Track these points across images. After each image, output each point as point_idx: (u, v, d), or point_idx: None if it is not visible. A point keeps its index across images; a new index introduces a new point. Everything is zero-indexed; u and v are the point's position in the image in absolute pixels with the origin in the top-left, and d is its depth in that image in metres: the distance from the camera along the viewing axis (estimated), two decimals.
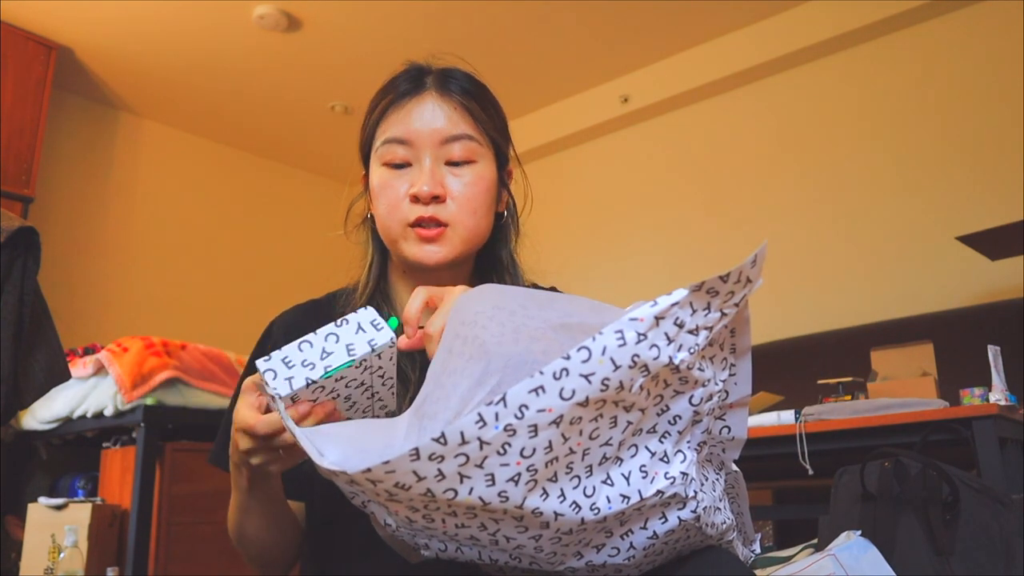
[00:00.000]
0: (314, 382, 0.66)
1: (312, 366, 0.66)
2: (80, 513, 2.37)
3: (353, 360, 0.67)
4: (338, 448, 0.58)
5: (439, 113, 0.91)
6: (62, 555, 2.12)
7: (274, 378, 0.65)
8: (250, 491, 0.79)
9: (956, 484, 1.45)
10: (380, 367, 0.71)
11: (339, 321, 0.69)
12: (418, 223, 0.89)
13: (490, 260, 1.01)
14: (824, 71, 3.49)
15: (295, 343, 0.67)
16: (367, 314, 0.70)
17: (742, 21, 3.54)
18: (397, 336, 0.70)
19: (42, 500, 2.47)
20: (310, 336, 0.68)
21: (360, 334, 0.68)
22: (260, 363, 0.66)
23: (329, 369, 0.66)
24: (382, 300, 0.98)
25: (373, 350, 0.68)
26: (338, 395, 0.70)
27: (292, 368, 0.66)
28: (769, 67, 3.57)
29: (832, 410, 1.91)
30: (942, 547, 1.41)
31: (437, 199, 0.89)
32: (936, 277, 3.01)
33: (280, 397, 0.65)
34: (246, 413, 0.68)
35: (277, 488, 0.82)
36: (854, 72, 3.40)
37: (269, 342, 0.96)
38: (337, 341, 0.68)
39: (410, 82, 0.93)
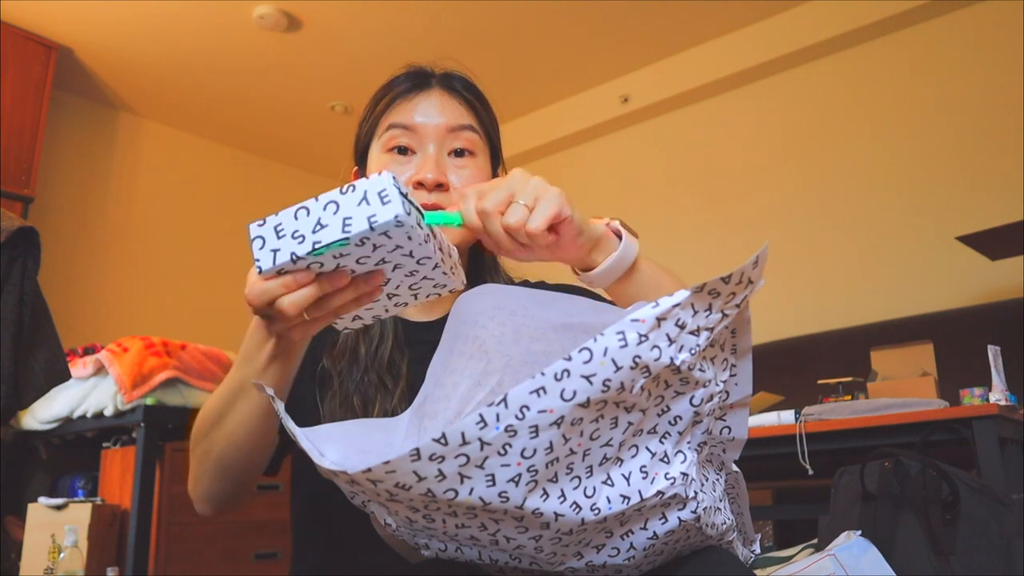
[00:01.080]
0: (300, 258, 0.57)
1: (302, 239, 0.57)
2: (80, 513, 2.37)
3: (347, 239, 0.57)
4: (338, 448, 0.58)
5: (445, 105, 0.93)
6: (62, 555, 2.12)
7: (261, 247, 0.58)
8: (266, 364, 0.72)
9: (956, 484, 1.45)
10: (404, 248, 0.60)
11: (345, 187, 0.58)
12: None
13: (477, 260, 1.02)
14: (824, 71, 3.49)
15: (293, 208, 0.59)
16: (378, 182, 0.58)
17: (742, 21, 3.54)
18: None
19: (42, 500, 2.47)
20: (310, 201, 0.58)
21: (363, 207, 0.57)
22: (253, 227, 0.59)
23: (318, 246, 0.57)
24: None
25: (373, 228, 0.56)
26: (353, 272, 0.62)
27: (281, 239, 0.58)
28: (769, 67, 3.57)
29: (832, 410, 1.91)
30: (942, 547, 1.41)
31: (441, 187, 0.90)
32: (936, 277, 3.01)
33: (262, 270, 0.58)
34: (252, 278, 0.62)
35: (288, 370, 0.74)
36: (854, 72, 3.40)
37: None
38: (336, 211, 0.57)
39: (416, 79, 0.96)
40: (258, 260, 0.57)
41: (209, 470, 0.81)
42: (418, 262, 0.62)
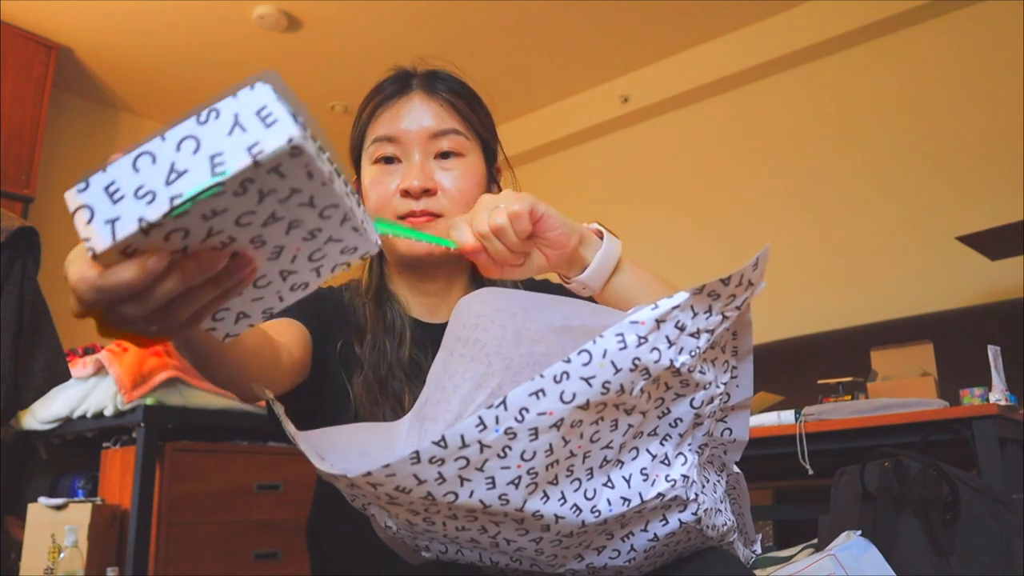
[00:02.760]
0: (153, 225, 0.39)
1: (151, 197, 0.39)
2: (80, 513, 2.37)
3: (221, 184, 0.39)
4: (338, 451, 0.58)
5: (426, 111, 0.93)
6: (62, 555, 2.12)
7: (88, 219, 0.40)
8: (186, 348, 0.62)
9: (956, 484, 1.45)
10: (302, 192, 0.42)
11: (202, 114, 0.41)
12: (409, 216, 0.90)
13: None
14: (824, 71, 3.49)
15: (129, 156, 0.41)
16: (253, 96, 0.41)
17: (742, 21, 3.53)
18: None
19: (42, 500, 2.47)
20: (154, 141, 0.41)
21: (236, 135, 0.40)
22: (71, 194, 0.41)
23: (178, 202, 0.39)
24: (386, 299, 0.97)
25: (258, 163, 0.39)
26: (232, 239, 0.43)
27: (119, 203, 0.40)
28: (770, 67, 3.57)
29: (832, 410, 1.91)
30: (942, 547, 1.41)
31: (428, 192, 0.90)
32: (936, 277, 3.01)
33: (96, 254, 0.40)
34: (80, 265, 0.42)
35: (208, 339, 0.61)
36: (854, 72, 3.40)
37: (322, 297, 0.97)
38: (197, 150, 0.40)
39: (396, 84, 0.96)
40: (88, 240, 0.40)
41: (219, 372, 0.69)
42: (321, 214, 0.45)
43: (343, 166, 0.47)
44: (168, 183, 0.39)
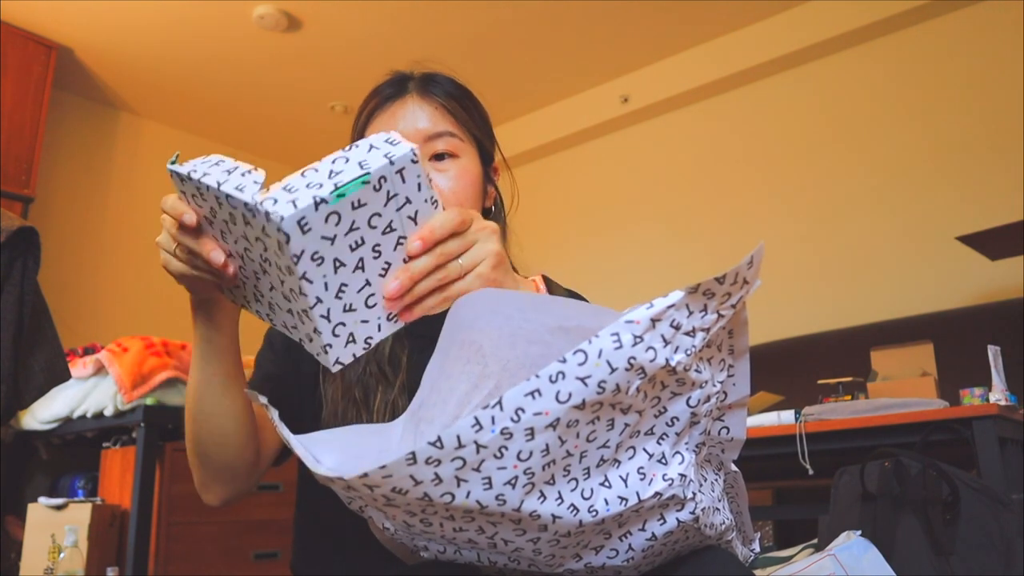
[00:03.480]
0: (324, 201, 0.56)
1: (319, 186, 0.56)
2: (80, 513, 2.37)
3: (368, 175, 0.57)
4: (334, 454, 0.58)
5: (420, 113, 0.94)
6: (62, 555, 2.12)
7: (274, 204, 0.55)
8: (203, 337, 0.80)
9: (956, 484, 1.45)
10: (405, 198, 0.60)
11: (348, 147, 0.60)
12: None
13: None
14: (825, 71, 3.49)
15: (298, 172, 0.59)
16: (380, 134, 0.61)
17: (742, 21, 3.53)
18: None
19: (42, 500, 2.47)
20: (311, 167, 0.59)
21: (374, 152, 0.59)
22: (263, 200, 0.57)
23: (340, 186, 0.56)
24: None
25: (392, 163, 0.58)
26: (362, 241, 0.59)
27: (295, 192, 0.56)
28: (770, 67, 3.56)
29: (832, 410, 1.91)
30: (942, 547, 1.41)
31: None
32: (936, 277, 3.01)
33: (282, 220, 0.54)
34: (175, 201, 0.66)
35: (226, 341, 0.80)
36: (855, 72, 3.40)
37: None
38: (347, 161, 0.58)
39: (393, 87, 0.97)
40: (276, 213, 0.54)
41: (195, 457, 0.85)
42: (414, 225, 0.62)
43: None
44: (330, 177, 0.57)
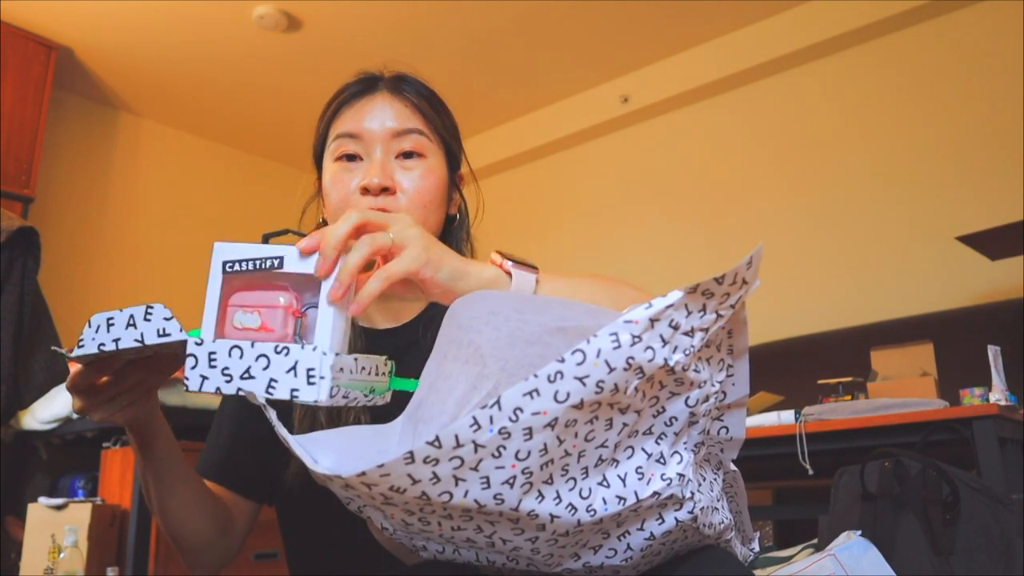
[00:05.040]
0: (220, 391, 0.61)
1: (228, 379, 0.61)
2: (80, 513, 2.37)
3: (262, 401, 0.60)
4: (332, 454, 0.58)
5: (389, 110, 0.93)
6: (62, 555, 2.12)
7: (192, 367, 0.62)
8: (141, 454, 0.83)
9: (956, 484, 1.45)
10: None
11: (279, 347, 0.60)
12: None
13: None
14: (825, 71, 3.49)
15: (230, 342, 0.62)
16: (312, 358, 0.60)
17: (742, 21, 3.53)
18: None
19: (42, 500, 2.47)
20: (246, 343, 0.61)
21: (290, 377, 0.60)
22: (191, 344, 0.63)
23: (240, 392, 0.60)
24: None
25: (293, 398, 0.59)
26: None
27: (212, 369, 0.61)
28: (770, 67, 3.56)
29: (832, 410, 1.91)
30: (942, 547, 1.41)
31: (387, 191, 0.89)
32: (936, 277, 3.01)
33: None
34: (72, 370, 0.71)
35: (162, 450, 0.83)
36: (855, 71, 3.40)
37: None
38: (265, 368, 0.60)
39: (362, 84, 0.96)
40: (186, 380, 0.62)
41: (170, 540, 0.90)
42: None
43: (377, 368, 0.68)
44: (241, 377, 0.61)
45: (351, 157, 0.92)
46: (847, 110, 3.39)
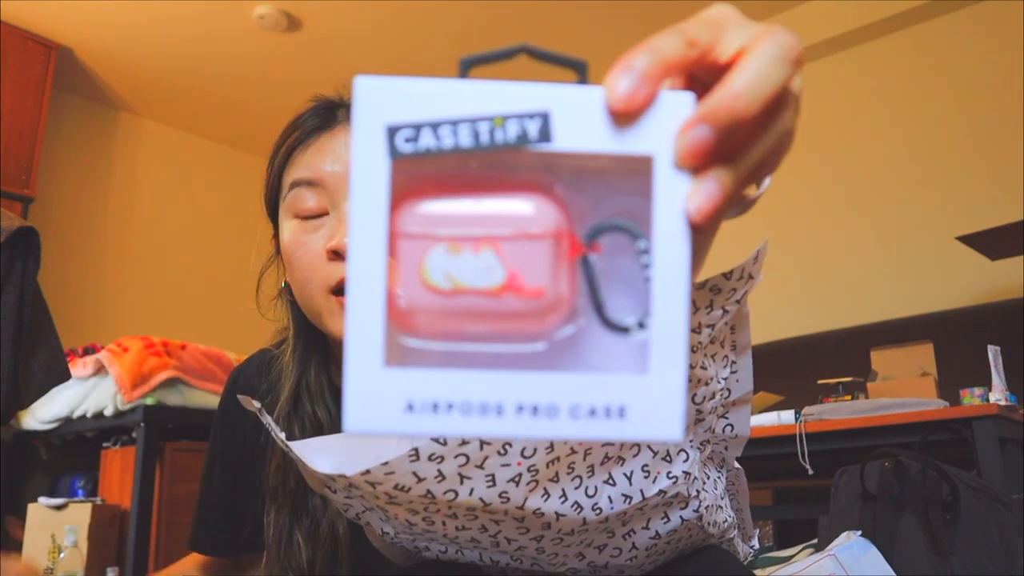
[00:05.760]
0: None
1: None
2: (80, 513, 2.37)
3: None
4: (330, 458, 0.57)
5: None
6: (62, 555, 2.12)
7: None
8: None
9: (956, 484, 1.45)
10: None
11: None
12: (343, 287, 0.71)
13: None
14: (823, 71, 3.49)
15: None
16: None
17: None
18: None
19: (42, 500, 2.47)
20: None
21: None
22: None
23: None
24: (314, 400, 0.79)
25: None
26: None
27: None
28: None
29: (832, 410, 1.91)
30: (942, 547, 1.41)
31: None
32: (936, 277, 3.01)
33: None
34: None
35: None
36: (854, 72, 3.40)
37: (236, 390, 0.89)
38: None
39: (318, 117, 0.80)
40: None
41: None
42: None
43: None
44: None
45: (314, 215, 0.75)
46: (846, 110, 3.40)
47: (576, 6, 3.35)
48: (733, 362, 0.64)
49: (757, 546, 0.79)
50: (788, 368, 2.82)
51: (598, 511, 0.57)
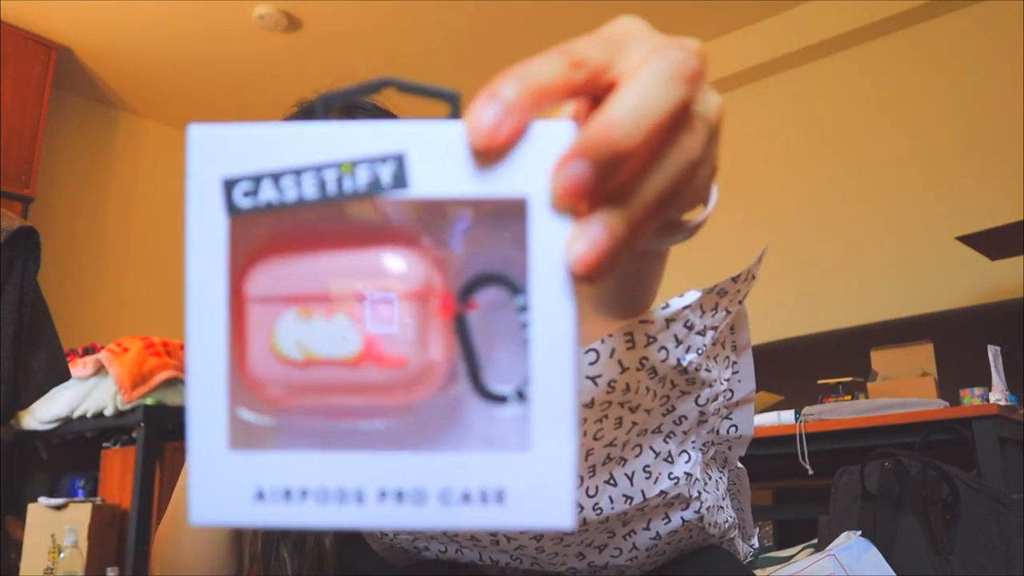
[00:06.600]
0: None
1: None
2: (80, 513, 2.37)
3: None
4: None
5: None
6: (62, 555, 2.12)
7: None
8: None
9: (956, 484, 1.45)
10: None
11: None
12: None
13: None
14: (823, 71, 3.49)
15: None
16: None
17: (742, 21, 3.54)
18: None
19: (42, 500, 2.47)
20: None
21: None
22: None
23: None
24: None
25: None
26: None
27: None
28: (768, 67, 3.57)
29: (832, 410, 1.91)
30: (942, 547, 1.41)
31: None
32: (936, 277, 3.01)
33: None
34: None
35: None
36: (854, 72, 3.40)
37: None
38: None
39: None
40: None
41: None
42: None
43: None
44: None
45: None
46: (846, 110, 3.40)
47: (577, 6, 3.35)
48: (734, 362, 0.64)
49: (757, 545, 0.79)
50: (788, 368, 2.82)
51: (598, 511, 0.57)
